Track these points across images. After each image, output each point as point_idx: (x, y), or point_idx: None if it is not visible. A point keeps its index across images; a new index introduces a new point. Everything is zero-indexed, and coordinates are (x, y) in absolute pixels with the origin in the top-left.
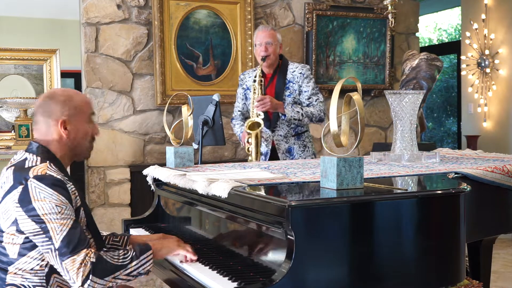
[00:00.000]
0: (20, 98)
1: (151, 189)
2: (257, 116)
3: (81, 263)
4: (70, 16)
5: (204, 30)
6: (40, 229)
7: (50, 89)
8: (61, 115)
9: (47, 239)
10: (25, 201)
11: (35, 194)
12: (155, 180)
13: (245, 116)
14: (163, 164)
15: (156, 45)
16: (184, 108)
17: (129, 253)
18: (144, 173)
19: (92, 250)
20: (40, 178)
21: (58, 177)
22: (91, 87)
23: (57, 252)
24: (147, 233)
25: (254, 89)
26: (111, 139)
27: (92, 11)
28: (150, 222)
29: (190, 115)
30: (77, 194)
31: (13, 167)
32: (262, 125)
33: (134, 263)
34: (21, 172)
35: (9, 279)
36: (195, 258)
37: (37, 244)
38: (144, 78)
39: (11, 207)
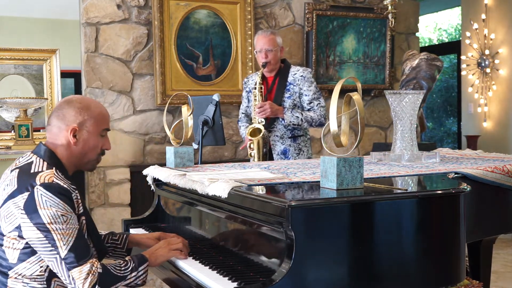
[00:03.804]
0: (20, 98)
1: (151, 189)
2: (259, 123)
3: (87, 273)
4: (70, 16)
5: (204, 30)
6: (44, 238)
7: (72, 95)
8: (73, 122)
9: (53, 248)
10: (30, 208)
11: (41, 202)
12: (155, 180)
13: (249, 117)
14: (163, 164)
15: (156, 45)
16: (184, 108)
17: (129, 264)
18: (144, 173)
19: (97, 261)
20: (47, 186)
21: (65, 186)
22: (91, 87)
23: (63, 261)
24: (146, 233)
25: (255, 96)
26: (111, 139)
27: (92, 11)
28: (150, 222)
29: (190, 115)
30: (80, 202)
31: (17, 170)
32: (263, 131)
33: (133, 274)
34: (27, 177)
35: (10, 283)
36: (186, 258)
37: (39, 252)
38: (144, 78)
39: (16, 213)
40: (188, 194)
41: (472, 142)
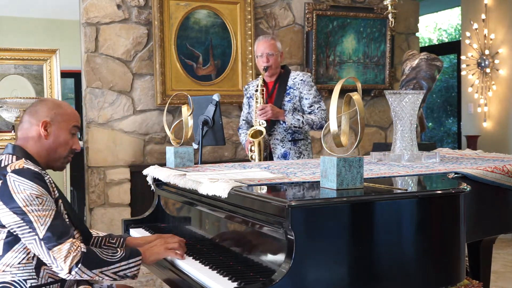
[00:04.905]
0: (20, 98)
1: (151, 189)
2: (260, 125)
3: (68, 251)
4: (70, 16)
5: (204, 30)
6: (22, 221)
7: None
8: (45, 117)
9: (31, 230)
10: (5, 195)
11: (14, 187)
12: (155, 180)
13: (250, 124)
14: (163, 164)
15: (156, 45)
16: (184, 108)
17: (118, 252)
18: (144, 173)
19: (78, 241)
20: (18, 172)
21: (36, 169)
22: (91, 87)
23: (42, 242)
24: (147, 233)
25: (256, 98)
26: (111, 139)
27: (92, 11)
28: (150, 222)
29: (190, 115)
30: (54, 185)
31: None
32: (265, 133)
33: (123, 263)
34: None
35: None
36: (183, 259)
37: (20, 236)
38: (144, 78)
39: None
40: (188, 194)
41: (472, 142)
